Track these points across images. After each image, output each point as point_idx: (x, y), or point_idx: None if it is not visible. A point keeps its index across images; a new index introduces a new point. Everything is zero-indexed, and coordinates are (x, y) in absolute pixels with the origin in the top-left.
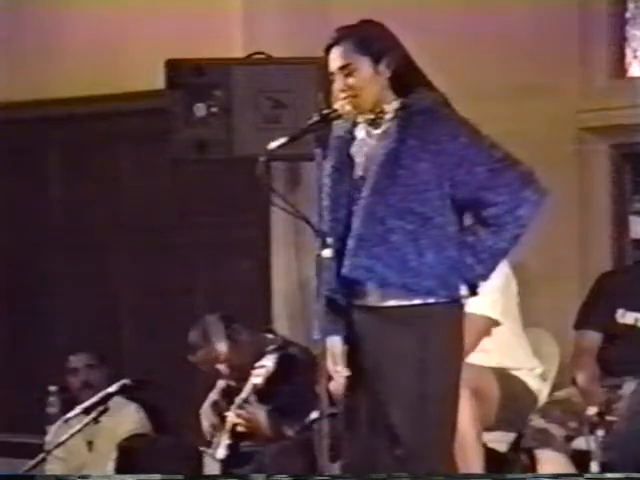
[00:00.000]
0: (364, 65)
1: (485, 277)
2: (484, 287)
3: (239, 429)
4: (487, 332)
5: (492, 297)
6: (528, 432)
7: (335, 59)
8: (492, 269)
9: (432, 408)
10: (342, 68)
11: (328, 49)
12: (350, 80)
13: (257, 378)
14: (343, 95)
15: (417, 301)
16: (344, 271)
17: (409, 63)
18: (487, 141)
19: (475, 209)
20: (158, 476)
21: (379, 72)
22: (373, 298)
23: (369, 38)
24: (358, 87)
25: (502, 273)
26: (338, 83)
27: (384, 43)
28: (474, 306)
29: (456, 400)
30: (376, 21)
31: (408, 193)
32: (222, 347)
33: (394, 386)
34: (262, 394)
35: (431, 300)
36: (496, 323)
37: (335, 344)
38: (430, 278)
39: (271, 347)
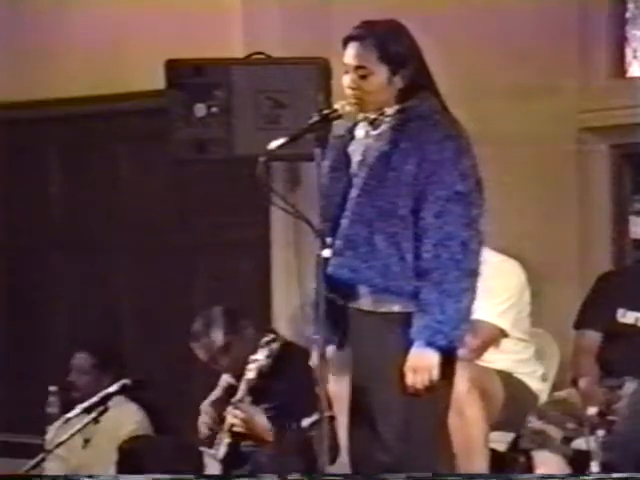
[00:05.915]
0: (380, 73)
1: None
2: (497, 293)
3: (235, 429)
4: (494, 342)
5: (504, 306)
6: (526, 433)
7: (353, 57)
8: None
9: (420, 414)
10: (358, 68)
11: (347, 41)
12: (362, 82)
13: (250, 373)
14: (350, 92)
15: (409, 309)
16: (329, 270)
17: (424, 73)
18: (462, 167)
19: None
20: (167, 476)
21: (392, 82)
22: (366, 302)
23: (392, 46)
24: (368, 91)
25: (518, 282)
26: (350, 79)
27: (405, 54)
28: (483, 312)
29: (446, 408)
30: (401, 24)
31: (394, 195)
32: (221, 337)
33: (383, 390)
34: (259, 394)
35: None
36: (504, 334)
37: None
38: (412, 281)
39: (263, 340)
